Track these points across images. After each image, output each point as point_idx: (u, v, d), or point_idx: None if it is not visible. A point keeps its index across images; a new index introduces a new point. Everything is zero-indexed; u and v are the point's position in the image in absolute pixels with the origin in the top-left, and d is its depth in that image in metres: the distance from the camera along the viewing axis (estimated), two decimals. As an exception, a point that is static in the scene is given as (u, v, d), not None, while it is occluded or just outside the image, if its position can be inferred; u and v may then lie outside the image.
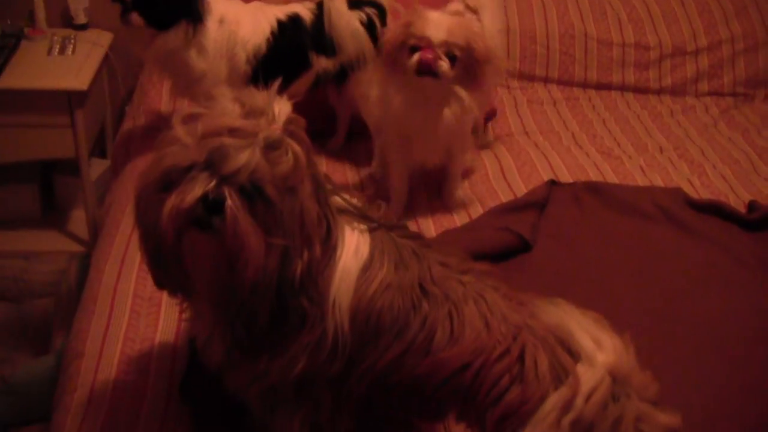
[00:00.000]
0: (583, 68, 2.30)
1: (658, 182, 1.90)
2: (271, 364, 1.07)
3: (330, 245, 1.06)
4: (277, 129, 0.99)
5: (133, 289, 1.42)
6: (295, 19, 1.87)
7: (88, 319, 1.36)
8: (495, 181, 1.86)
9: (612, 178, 1.89)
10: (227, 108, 1.08)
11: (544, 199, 1.75)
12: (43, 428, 2.14)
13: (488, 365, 1.08)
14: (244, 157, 0.95)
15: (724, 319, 1.46)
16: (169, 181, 0.99)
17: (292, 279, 1.00)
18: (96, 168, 2.64)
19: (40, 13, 2.46)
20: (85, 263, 2.45)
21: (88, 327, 1.34)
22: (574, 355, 1.12)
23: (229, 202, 0.95)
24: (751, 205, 1.80)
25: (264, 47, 1.82)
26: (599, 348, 1.12)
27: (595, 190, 1.79)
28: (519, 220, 1.66)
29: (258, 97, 1.03)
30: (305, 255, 1.01)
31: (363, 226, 1.13)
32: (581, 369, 1.10)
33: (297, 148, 0.99)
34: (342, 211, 1.13)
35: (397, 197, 1.78)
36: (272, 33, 1.84)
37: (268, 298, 1.01)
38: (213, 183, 0.95)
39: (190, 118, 1.02)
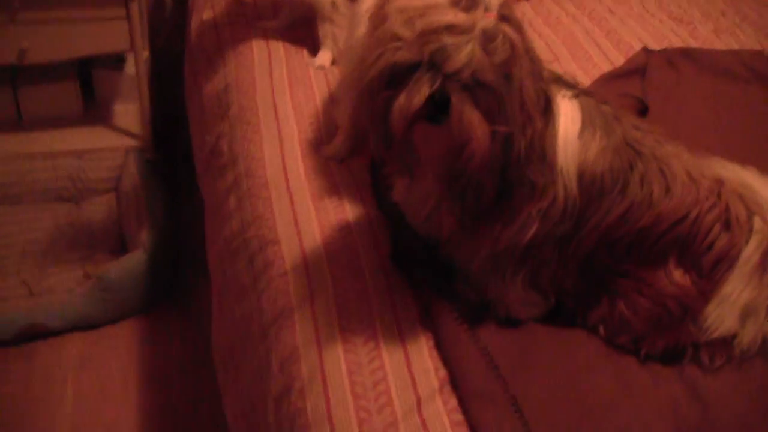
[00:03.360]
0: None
1: (734, 46, 1.98)
2: (503, 232, 1.14)
3: (550, 117, 1.11)
4: (491, 18, 1.02)
5: (303, 170, 1.45)
6: None
7: (267, 206, 1.39)
8: (586, 44, 1.91)
9: (692, 44, 1.96)
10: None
11: (643, 66, 1.81)
12: (136, 322, 2.18)
13: (701, 215, 1.18)
14: (465, 56, 1.00)
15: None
16: (393, 77, 1.03)
17: (517, 156, 1.06)
18: (132, 63, 2.58)
19: None
20: (142, 157, 2.44)
21: (272, 214, 1.37)
22: (758, 206, 1.23)
23: (454, 99, 1.00)
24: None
25: None
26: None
27: (687, 54, 1.87)
28: (630, 86, 1.73)
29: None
30: (528, 131, 1.07)
31: (569, 93, 1.19)
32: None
33: (513, 34, 1.03)
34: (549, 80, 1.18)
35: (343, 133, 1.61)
36: None
37: (494, 175, 1.07)
38: (437, 83, 0.99)
39: (403, 10, 1.05)
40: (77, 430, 1.90)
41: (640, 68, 1.81)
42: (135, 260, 2.15)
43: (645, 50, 1.88)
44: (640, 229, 1.16)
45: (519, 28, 1.05)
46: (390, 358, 1.11)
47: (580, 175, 1.14)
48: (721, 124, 1.69)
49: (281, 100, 1.62)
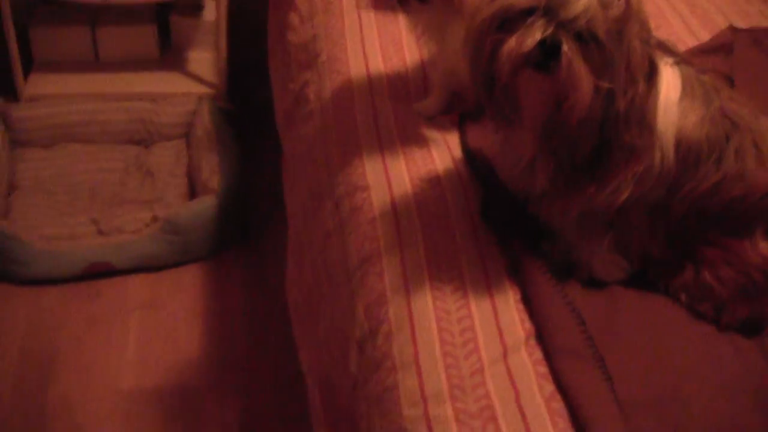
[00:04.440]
0: None
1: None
2: (597, 193, 1.15)
3: (653, 81, 1.12)
4: None
5: (393, 121, 1.47)
6: None
7: (356, 152, 1.41)
8: (672, 17, 1.90)
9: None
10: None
11: (729, 44, 1.80)
12: (202, 267, 2.23)
13: (795, 190, 1.18)
14: (582, 5, 1.01)
15: None
16: (506, 20, 1.05)
17: (615, 116, 1.07)
18: (213, 9, 2.61)
19: None
20: (215, 105, 2.48)
21: (361, 160, 1.40)
22: None
23: (565, 47, 1.01)
24: None
25: None
26: None
27: (774, 34, 1.85)
28: (716, 62, 1.72)
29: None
30: (630, 93, 1.08)
31: (670, 60, 1.19)
32: None
33: None
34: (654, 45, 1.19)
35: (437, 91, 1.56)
36: None
37: (592, 131, 1.09)
38: (551, 28, 1.01)
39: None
40: (139, 372, 1.95)
41: (726, 46, 1.80)
42: (205, 204, 2.20)
43: (731, 28, 1.86)
44: (731, 200, 1.17)
45: None
46: (477, 307, 1.14)
47: (678, 143, 1.15)
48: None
49: (371, 52, 1.64)
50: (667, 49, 1.22)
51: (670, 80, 1.17)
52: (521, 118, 1.13)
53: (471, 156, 1.41)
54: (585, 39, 1.03)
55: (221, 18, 2.42)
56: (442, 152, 1.41)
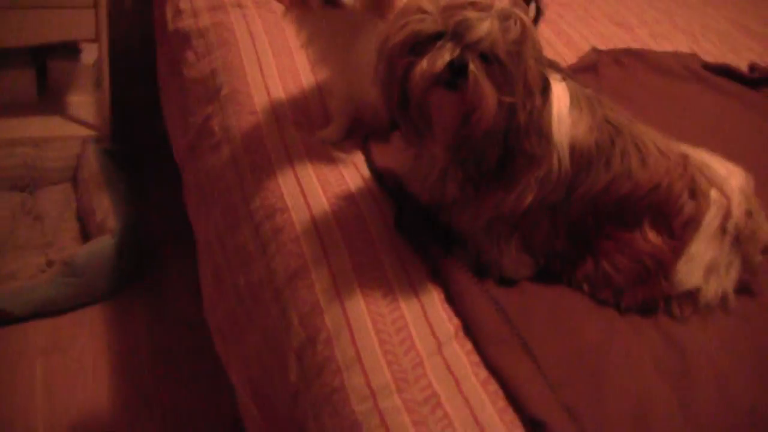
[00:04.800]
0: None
1: (669, 48, 2.19)
2: (505, 198, 1.28)
3: (547, 95, 1.26)
4: (506, 1, 1.17)
5: (303, 147, 1.55)
6: None
7: (272, 177, 1.48)
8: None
9: (633, 46, 2.16)
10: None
11: (594, 63, 2.00)
12: (103, 307, 2.22)
13: (672, 184, 1.34)
14: (485, 28, 1.14)
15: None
16: (416, 44, 1.17)
17: (517, 127, 1.20)
18: (90, 52, 2.62)
19: None
20: (101, 147, 2.48)
21: (277, 185, 1.47)
22: (714, 180, 1.40)
23: (471, 66, 1.14)
24: (752, 67, 2.14)
25: None
26: (730, 175, 1.41)
27: (632, 54, 2.07)
28: (584, 81, 1.90)
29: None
30: (528, 106, 1.21)
31: (558, 76, 1.34)
32: (724, 189, 1.39)
33: (523, 16, 1.18)
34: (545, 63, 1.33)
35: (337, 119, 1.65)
36: None
37: (497, 142, 1.22)
38: (458, 51, 1.14)
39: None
40: (49, 417, 1.92)
41: (591, 65, 1.99)
42: (103, 244, 2.20)
43: (594, 49, 2.06)
44: (622, 197, 1.32)
45: (527, 12, 1.20)
46: (408, 308, 1.23)
47: (572, 149, 1.29)
48: (666, 115, 1.88)
49: (272, 83, 1.72)
50: (555, 67, 1.37)
51: (560, 94, 1.31)
52: (433, 133, 1.24)
53: (378, 174, 1.50)
54: (488, 59, 1.15)
55: (103, 59, 2.43)
56: (352, 172, 1.50)
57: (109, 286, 2.23)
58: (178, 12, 2.06)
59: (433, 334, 1.20)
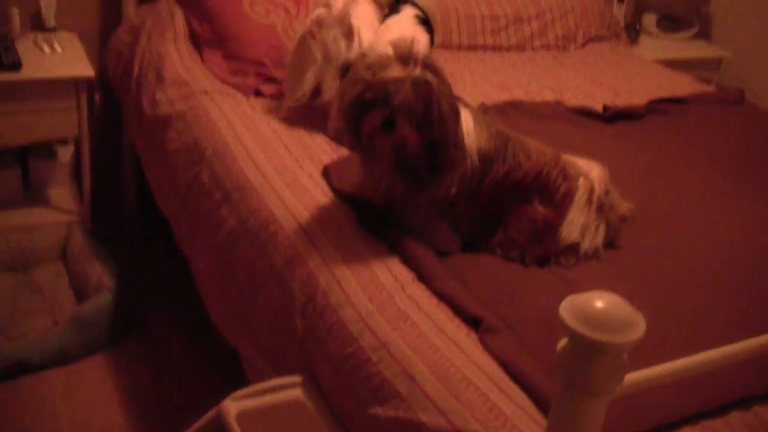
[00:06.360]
0: (457, 35, 3.20)
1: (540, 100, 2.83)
2: (436, 191, 1.81)
3: (458, 118, 1.82)
4: (418, 71, 1.74)
5: (281, 182, 2.07)
6: None
7: (261, 201, 1.99)
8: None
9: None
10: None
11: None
12: (108, 354, 2.62)
13: (550, 171, 1.90)
14: (402, 96, 1.69)
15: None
16: (362, 104, 1.73)
17: (439, 146, 1.76)
18: (66, 151, 3.09)
19: (15, 18, 2.89)
20: (86, 228, 2.93)
21: (266, 205, 1.97)
22: (579, 170, 1.98)
23: (398, 121, 1.70)
24: (605, 107, 2.79)
25: None
26: (591, 168, 2.00)
27: (513, 105, 2.68)
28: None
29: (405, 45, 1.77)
30: (446, 128, 1.77)
31: (462, 105, 1.91)
32: (588, 175, 1.97)
33: (431, 77, 1.74)
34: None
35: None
36: None
37: (425, 158, 1.76)
38: (388, 111, 1.70)
39: (368, 66, 1.75)
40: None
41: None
42: (103, 299, 2.62)
43: (482, 104, 2.67)
44: (516, 182, 1.87)
45: (435, 70, 1.76)
46: (377, 268, 1.74)
47: (479, 152, 1.84)
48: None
49: (247, 142, 2.24)
50: (460, 100, 1.93)
51: (466, 117, 1.87)
52: (380, 159, 1.78)
53: (337, 190, 2.03)
54: (409, 112, 1.70)
55: (85, 154, 2.90)
56: (320, 190, 2.03)
57: (111, 336, 2.64)
58: (154, 102, 2.58)
59: (397, 280, 1.71)
